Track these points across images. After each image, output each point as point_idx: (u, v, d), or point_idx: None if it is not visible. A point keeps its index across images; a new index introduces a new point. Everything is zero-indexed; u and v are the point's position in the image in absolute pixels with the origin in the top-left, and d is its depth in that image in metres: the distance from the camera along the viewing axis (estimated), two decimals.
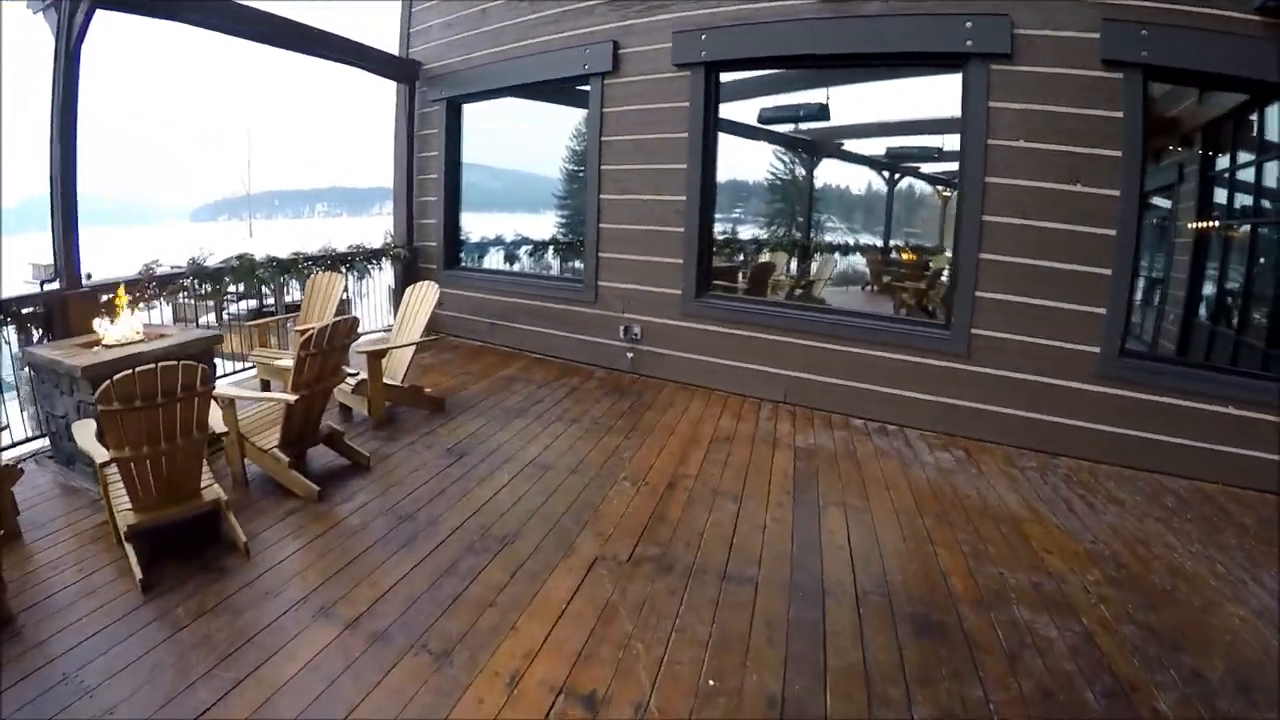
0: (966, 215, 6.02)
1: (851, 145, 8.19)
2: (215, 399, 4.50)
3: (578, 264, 9.12)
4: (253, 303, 11.32)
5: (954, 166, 6.30)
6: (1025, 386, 5.93)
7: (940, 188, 7.50)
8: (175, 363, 3.62)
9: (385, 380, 6.37)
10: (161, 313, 7.48)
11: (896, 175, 7.63)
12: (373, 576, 3.80)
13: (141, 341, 5.57)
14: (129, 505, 3.93)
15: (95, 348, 5.45)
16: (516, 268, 10.20)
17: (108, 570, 3.83)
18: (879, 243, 7.82)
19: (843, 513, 4.67)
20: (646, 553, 4.07)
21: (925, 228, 7.76)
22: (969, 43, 5.84)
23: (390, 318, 10.32)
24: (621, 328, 7.96)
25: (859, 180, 7.61)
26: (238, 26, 7.33)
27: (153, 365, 3.57)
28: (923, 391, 6.34)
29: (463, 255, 10.30)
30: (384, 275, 10.38)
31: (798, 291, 7.80)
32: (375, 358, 6.18)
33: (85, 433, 4.18)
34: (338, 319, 4.92)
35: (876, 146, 7.79)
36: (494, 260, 10.47)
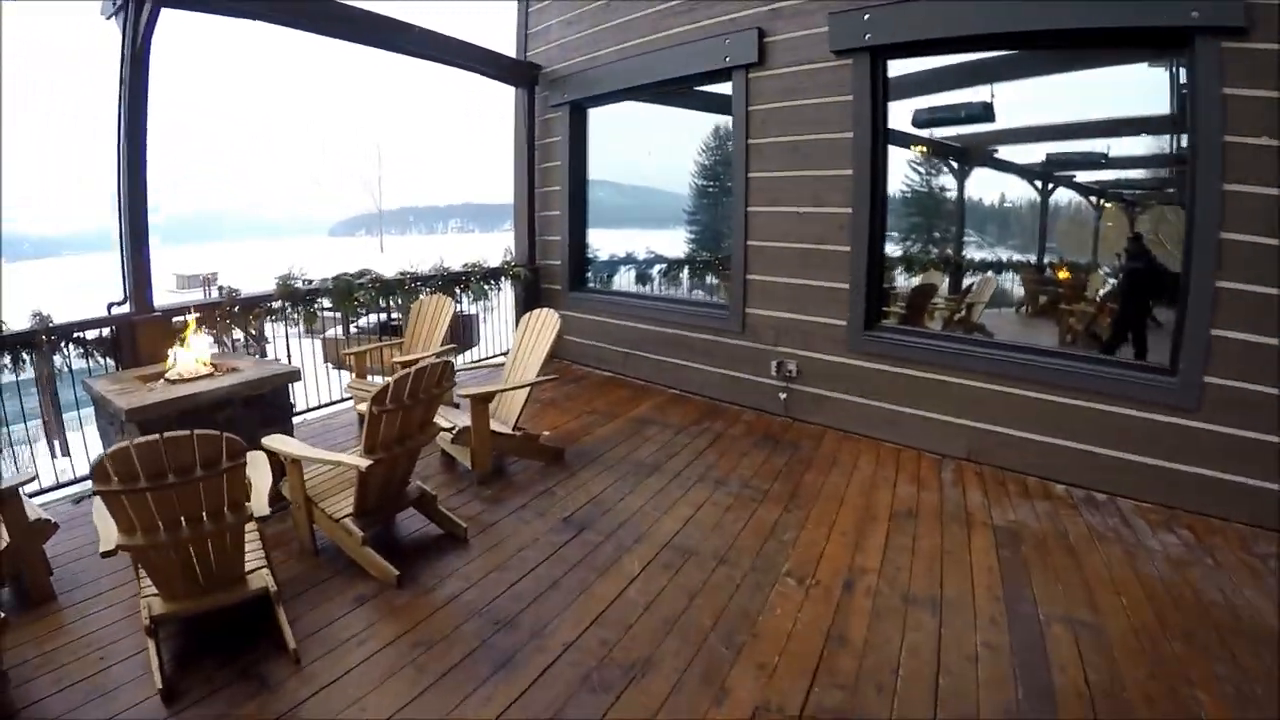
0: (1199, 233, 4.81)
1: (1004, 152, 7.08)
2: (280, 456, 4.17)
3: (714, 285, 8.41)
4: (381, 316, 10.89)
5: (1119, 175, 5.67)
6: (1272, 451, 4.69)
7: (1093, 198, 6.39)
8: (189, 434, 3.00)
9: (494, 427, 5.66)
10: (276, 332, 7.21)
11: (1050, 185, 6.53)
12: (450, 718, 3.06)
13: (208, 376, 5.27)
14: (155, 590, 3.38)
15: (157, 381, 5.16)
16: (649, 289, 9.43)
17: (132, 663, 3.36)
18: (1031, 259, 6.73)
19: (1070, 633, 3.62)
20: (825, 700, 3.15)
21: (1069, 242, 6.63)
22: (1194, 14, 4.67)
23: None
24: (774, 363, 7.08)
25: (1005, 190, 6.50)
26: (324, 24, 6.98)
27: (157, 438, 2.95)
28: (1139, 452, 5.19)
29: (590, 275, 9.64)
30: (504, 297, 9.83)
31: (957, 316, 6.75)
32: (481, 402, 5.48)
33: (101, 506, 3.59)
34: (424, 364, 4.22)
35: (1031, 153, 6.66)
36: (624, 281, 9.74)
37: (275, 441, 4.32)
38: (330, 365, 7.61)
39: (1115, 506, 5.09)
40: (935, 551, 4.44)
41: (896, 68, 6.30)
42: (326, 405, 7.85)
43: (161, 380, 5.22)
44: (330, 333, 8.42)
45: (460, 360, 9.12)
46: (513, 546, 4.51)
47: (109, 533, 3.14)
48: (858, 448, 6.25)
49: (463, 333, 9.17)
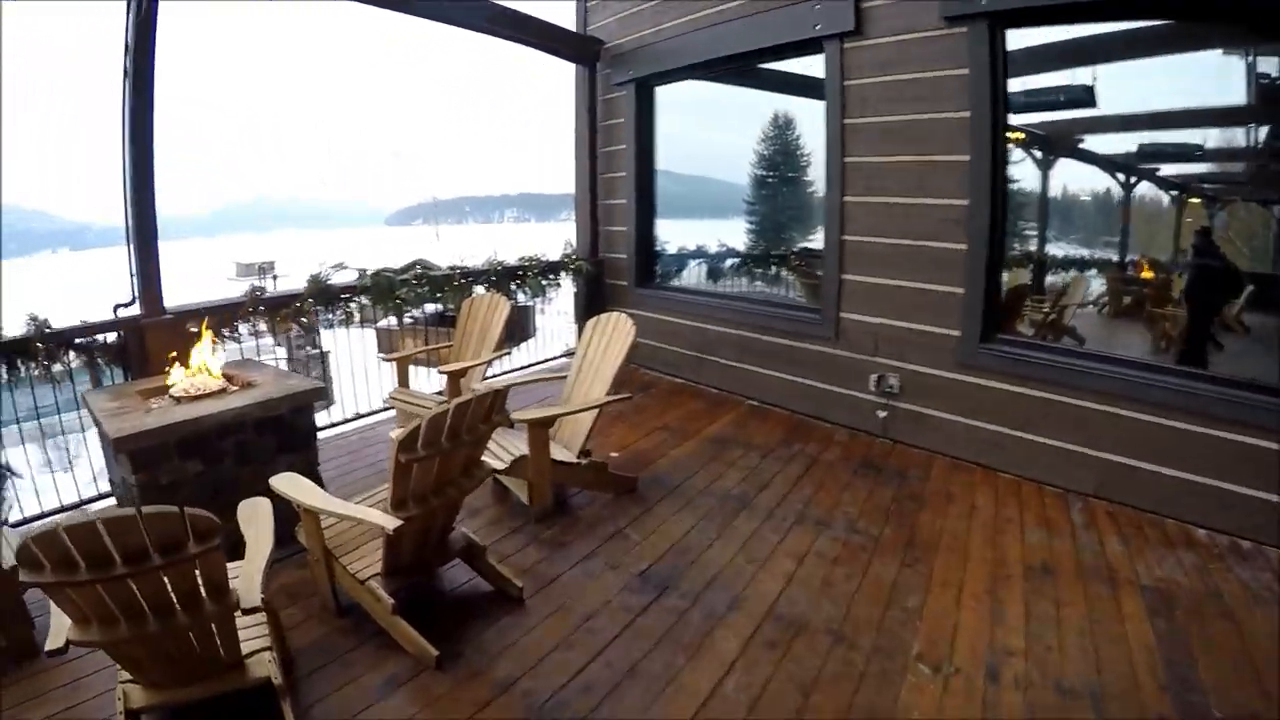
0: None
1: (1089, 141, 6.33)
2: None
3: (791, 283, 7.94)
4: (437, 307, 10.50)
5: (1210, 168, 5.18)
6: None
7: (1174, 192, 5.67)
8: (134, 514, 2.36)
9: (555, 454, 5.10)
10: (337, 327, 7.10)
11: (1132, 179, 5.81)
12: None
13: (218, 393, 4.77)
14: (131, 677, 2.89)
15: (161, 398, 4.73)
16: (723, 286, 8.84)
17: None
18: (1113, 257, 6.01)
19: None
20: None
21: (1149, 239, 5.91)
22: None
23: (575, 338, 9.21)
24: (873, 377, 6.40)
25: (1087, 182, 5.79)
26: None
27: (94, 519, 2.33)
28: None
29: (658, 270, 9.06)
30: (563, 290, 9.31)
31: (1048, 319, 6.05)
32: (539, 428, 4.88)
33: None
34: (469, 396, 3.57)
35: (1116, 143, 5.91)
36: (694, 277, 9.19)
37: (286, 485, 3.76)
38: (383, 357, 7.10)
39: (1264, 558, 4.42)
40: (1083, 622, 3.78)
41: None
42: (370, 415, 7.36)
43: (165, 397, 4.77)
44: (384, 322, 7.93)
45: (511, 363, 8.61)
46: (579, 612, 3.93)
47: (59, 624, 2.61)
48: (972, 479, 5.59)
49: (518, 323, 8.62)
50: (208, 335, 5.26)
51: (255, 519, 3.35)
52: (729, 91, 8.29)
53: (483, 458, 4.05)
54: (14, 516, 5.09)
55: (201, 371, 5.05)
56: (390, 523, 3.31)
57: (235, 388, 4.98)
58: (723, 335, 7.79)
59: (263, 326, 6.57)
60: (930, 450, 6.08)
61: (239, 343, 6.47)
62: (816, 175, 7.15)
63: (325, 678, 3.39)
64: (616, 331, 5.51)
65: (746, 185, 8.47)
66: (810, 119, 7.12)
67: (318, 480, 5.04)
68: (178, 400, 4.69)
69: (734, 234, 8.74)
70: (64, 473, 5.54)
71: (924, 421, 6.14)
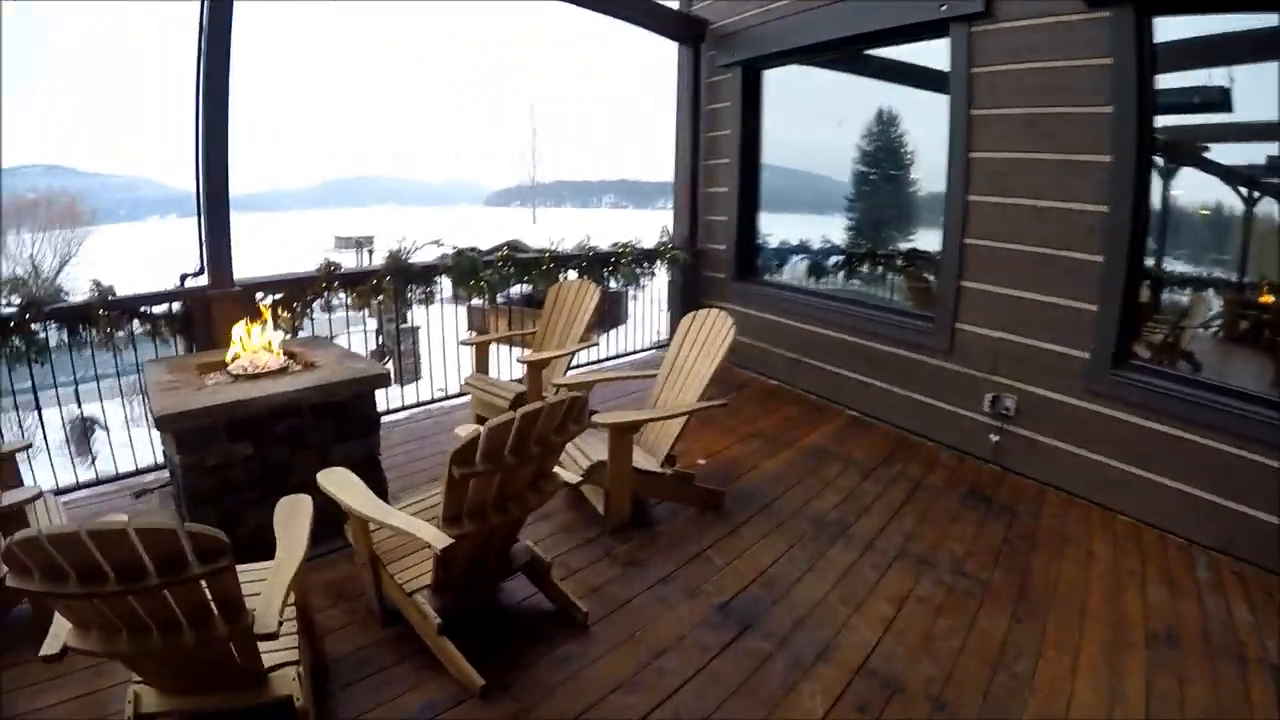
0: None
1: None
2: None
3: (896, 285, 7.47)
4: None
5: None
6: None
7: None
8: (122, 528, 2.10)
9: (638, 461, 4.79)
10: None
11: (1255, 193, 5.19)
12: None
13: (278, 372, 4.64)
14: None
15: (218, 373, 4.64)
16: (824, 285, 8.34)
17: None
18: (1231, 277, 5.39)
19: None
20: None
21: (1264, 260, 5.26)
22: None
23: (667, 329, 9.07)
24: (988, 397, 5.90)
25: (1205, 195, 5.19)
26: None
27: (76, 529, 2.07)
28: None
29: (758, 263, 8.66)
30: (657, 279, 9.06)
31: (1166, 343, 5.46)
32: (623, 433, 4.55)
33: None
34: (539, 403, 3.22)
35: (1245, 153, 5.28)
36: (795, 273, 8.70)
37: (333, 483, 3.53)
38: (461, 341, 6.88)
39: None
40: (1209, 706, 3.32)
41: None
42: (448, 399, 7.34)
43: (223, 373, 4.65)
44: (476, 300, 7.72)
45: (597, 353, 8.31)
46: (649, 646, 3.63)
47: (58, 628, 2.43)
48: (1089, 520, 5.08)
49: (609, 308, 8.32)
50: (268, 311, 5.10)
51: (292, 520, 3.15)
52: (833, 83, 7.90)
53: (555, 469, 3.72)
54: (101, 467, 5.44)
55: (262, 349, 4.91)
56: (440, 541, 3.02)
57: (297, 367, 4.84)
58: (824, 338, 7.39)
59: (340, 302, 6.51)
60: (1043, 482, 5.58)
61: (326, 313, 6.47)
62: (919, 174, 6.96)
63: (359, 695, 3.20)
64: (714, 331, 5.16)
65: (845, 181, 8.04)
66: (917, 113, 6.87)
67: (377, 471, 4.85)
68: (234, 378, 4.57)
69: (830, 231, 8.32)
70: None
71: (1039, 450, 5.63)
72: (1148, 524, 4.98)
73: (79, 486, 5.42)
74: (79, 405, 5.94)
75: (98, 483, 5.54)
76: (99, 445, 10.50)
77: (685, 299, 8.79)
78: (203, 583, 2.28)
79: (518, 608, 3.89)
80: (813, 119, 8.19)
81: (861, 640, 3.67)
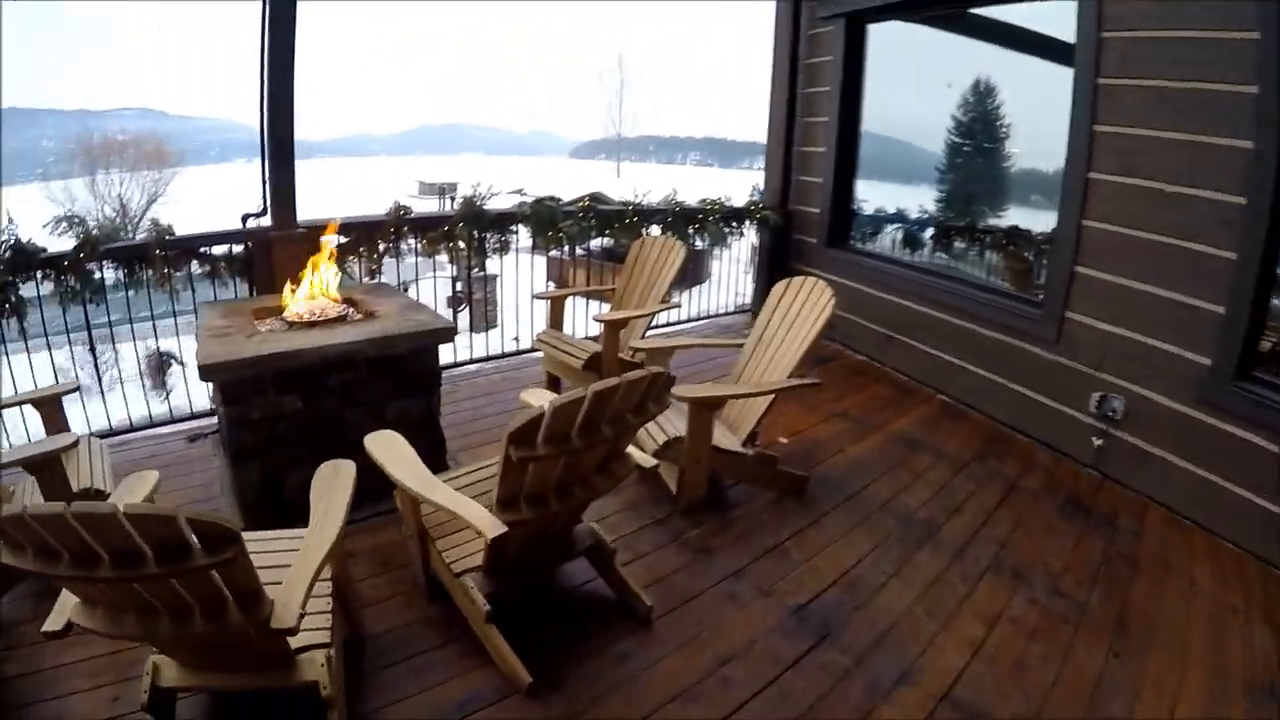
0: None
1: None
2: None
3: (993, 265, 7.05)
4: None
5: None
6: None
7: None
8: (112, 511, 1.91)
9: (718, 439, 4.52)
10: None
11: None
12: None
13: (335, 320, 4.53)
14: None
15: (273, 319, 4.58)
16: (918, 258, 7.95)
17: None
18: None
19: None
20: None
21: None
22: None
23: (750, 292, 8.88)
24: (1094, 396, 5.48)
25: None
26: None
27: (61, 509, 1.89)
28: None
29: (852, 230, 8.27)
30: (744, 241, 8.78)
31: (1275, 350, 4.97)
32: (704, 409, 4.27)
33: None
34: (615, 380, 2.86)
35: None
36: (888, 244, 8.31)
37: (380, 449, 3.33)
38: (553, 285, 6.66)
39: None
40: None
41: None
42: (519, 354, 7.28)
43: (278, 319, 4.56)
44: (555, 250, 7.52)
45: (678, 315, 8.02)
46: (715, 651, 3.42)
47: (64, 602, 2.34)
48: (1191, 543, 4.68)
49: (691, 266, 8.05)
50: (330, 253, 4.96)
51: (331, 490, 2.98)
52: (933, 44, 7.46)
53: (629, 448, 3.48)
54: (175, 401, 5.72)
55: (320, 295, 4.79)
56: (492, 528, 2.78)
57: (357, 316, 4.71)
58: (919, 315, 7.03)
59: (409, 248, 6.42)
60: (1145, 495, 5.19)
61: (395, 259, 6.33)
62: (1016, 147, 6.70)
63: (396, 678, 3.09)
64: (810, 302, 4.83)
65: (935, 150, 7.64)
66: (1019, 82, 6.56)
67: (435, 430, 4.71)
68: (289, 325, 4.48)
69: (918, 202, 7.97)
70: None
71: (1144, 460, 5.24)
72: (1255, 554, 4.58)
73: (132, 428, 5.52)
74: (156, 339, 6.08)
75: (155, 424, 5.60)
76: (174, 380, 10.63)
77: (773, 263, 8.54)
78: (209, 573, 2.12)
79: (576, 593, 3.74)
80: (905, 81, 7.80)
81: (948, 664, 3.44)
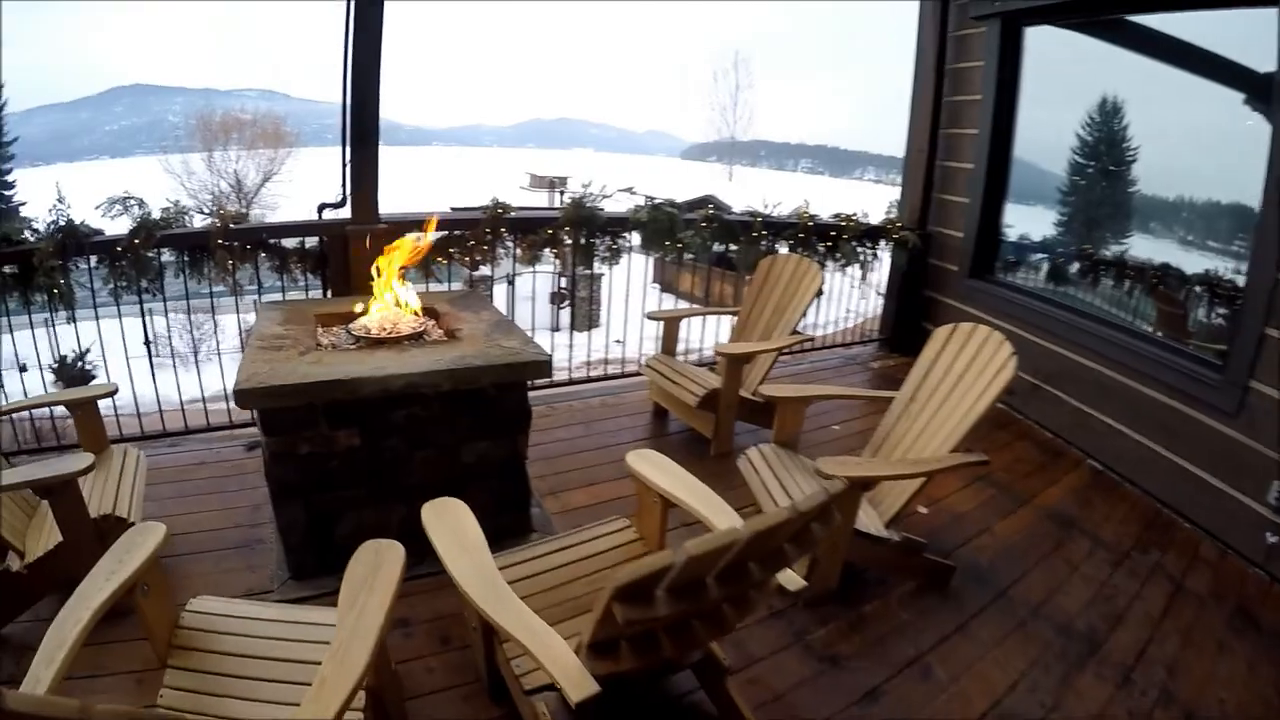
0: None
1: None
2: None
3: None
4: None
5: None
6: None
7: None
8: None
9: (861, 522, 3.85)
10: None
11: None
12: None
13: (408, 340, 4.07)
14: None
15: (339, 329, 4.23)
16: (1059, 293, 7.15)
17: None
18: None
19: None
20: None
21: None
22: None
23: (877, 317, 8.31)
24: (1275, 485, 4.64)
25: None
26: None
27: None
28: None
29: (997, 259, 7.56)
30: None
31: None
32: (851, 496, 3.59)
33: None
34: (780, 516, 2.12)
35: None
36: (1033, 276, 7.54)
37: (440, 528, 2.72)
38: (658, 288, 6.11)
39: None
40: None
41: None
42: (622, 376, 6.71)
43: (344, 330, 4.17)
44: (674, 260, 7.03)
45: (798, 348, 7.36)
46: None
47: None
48: None
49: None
50: (408, 249, 4.47)
51: (368, 589, 2.35)
52: (1080, 55, 6.76)
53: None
54: None
55: (396, 305, 4.33)
56: (576, 689, 2.10)
57: (435, 333, 4.27)
58: (1069, 363, 6.28)
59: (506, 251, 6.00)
60: None
61: (491, 265, 5.95)
62: (1138, 172, 6.34)
63: None
64: (985, 358, 4.09)
65: (1060, 172, 7.06)
66: (1153, 99, 6.06)
67: (520, 480, 4.16)
68: (355, 340, 4.06)
69: (1040, 225, 7.37)
70: None
71: None
72: None
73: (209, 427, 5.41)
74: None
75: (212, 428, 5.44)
76: None
77: (906, 290, 7.88)
78: None
79: (673, 703, 3.19)
80: (1041, 94, 7.10)
81: None
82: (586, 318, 18.13)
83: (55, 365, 5.36)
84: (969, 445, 3.93)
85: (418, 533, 2.63)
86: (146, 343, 5.25)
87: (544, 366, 3.96)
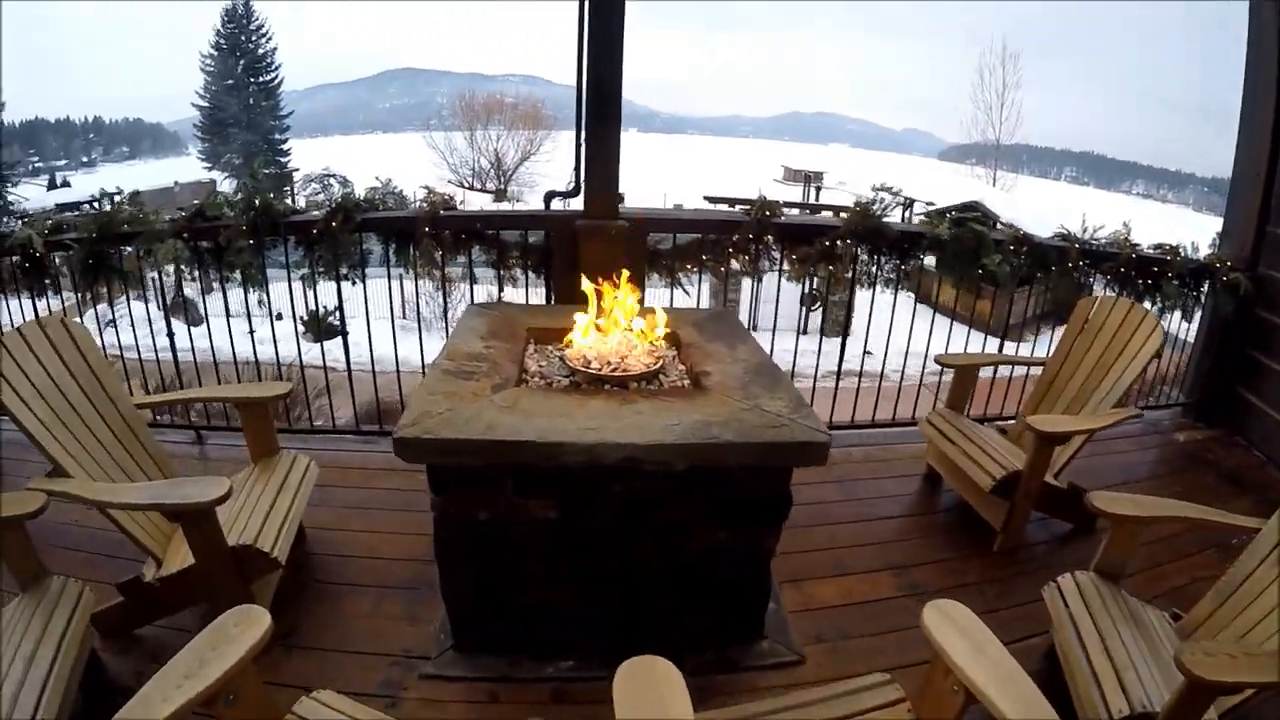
0: None
1: None
2: None
3: None
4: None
5: None
6: None
7: None
8: None
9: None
10: None
11: None
12: None
13: (636, 380, 3.25)
14: None
15: (548, 351, 3.60)
16: None
17: None
18: None
19: None
20: None
21: None
22: None
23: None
24: None
25: None
26: None
27: None
28: None
29: None
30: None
31: None
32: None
33: None
34: None
35: None
36: None
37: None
38: (940, 359, 5.06)
39: None
40: None
41: None
42: (887, 425, 5.71)
43: (557, 355, 3.47)
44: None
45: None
46: None
47: None
48: None
49: None
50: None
51: None
52: None
53: None
54: None
55: (629, 332, 3.46)
56: None
57: (675, 372, 3.42)
58: None
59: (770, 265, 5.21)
60: None
61: (754, 279, 5.35)
62: None
63: None
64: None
65: None
66: None
67: (762, 577, 3.25)
68: (569, 374, 3.29)
69: None
70: None
71: None
72: None
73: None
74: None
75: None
76: None
77: (1224, 346, 6.09)
78: None
79: None
80: None
81: None
82: (838, 322, 16.87)
83: (305, 318, 5.01)
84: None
85: (621, 627, 2.50)
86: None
87: (819, 451, 2.86)
